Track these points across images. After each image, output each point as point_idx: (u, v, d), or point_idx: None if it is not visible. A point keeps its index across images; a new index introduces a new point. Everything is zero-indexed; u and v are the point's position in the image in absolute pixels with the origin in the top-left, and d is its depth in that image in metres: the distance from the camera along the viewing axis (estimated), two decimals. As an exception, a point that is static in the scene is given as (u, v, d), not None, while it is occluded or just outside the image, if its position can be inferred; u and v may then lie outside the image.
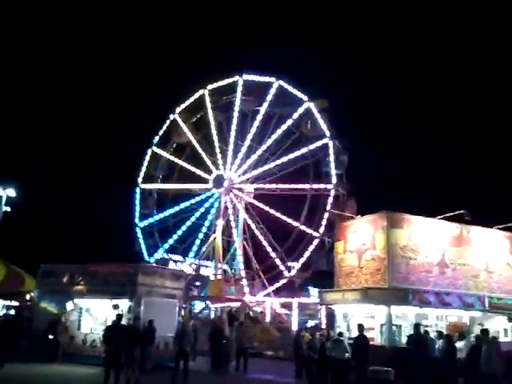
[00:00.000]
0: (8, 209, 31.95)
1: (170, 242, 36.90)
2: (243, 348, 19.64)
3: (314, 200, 33.34)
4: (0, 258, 31.44)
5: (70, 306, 19.83)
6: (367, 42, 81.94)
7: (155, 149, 37.96)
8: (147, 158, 37.98)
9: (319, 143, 32.52)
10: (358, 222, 20.12)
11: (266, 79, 34.65)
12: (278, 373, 18.46)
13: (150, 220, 37.58)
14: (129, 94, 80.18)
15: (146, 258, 36.40)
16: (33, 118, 72.81)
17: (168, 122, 37.65)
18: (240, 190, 35.88)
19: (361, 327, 15.76)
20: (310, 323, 31.49)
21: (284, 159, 33.81)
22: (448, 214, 19.96)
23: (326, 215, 30.86)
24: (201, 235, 36.22)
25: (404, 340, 16.81)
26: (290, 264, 33.02)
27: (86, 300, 19.97)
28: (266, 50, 74.50)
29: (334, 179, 31.58)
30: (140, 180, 37.94)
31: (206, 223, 36.35)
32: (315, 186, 32.81)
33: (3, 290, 29.66)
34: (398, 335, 17.34)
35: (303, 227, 32.79)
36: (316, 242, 31.10)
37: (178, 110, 37.46)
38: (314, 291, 32.61)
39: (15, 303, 28.69)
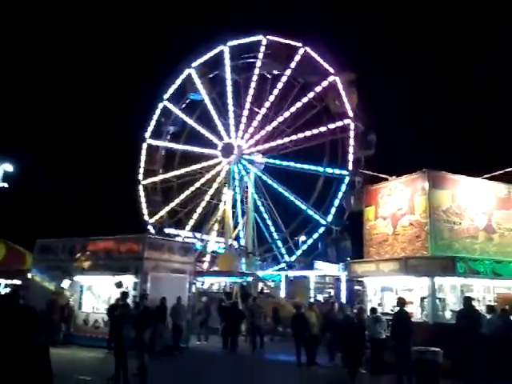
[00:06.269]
0: (5, 185, 30.07)
1: (173, 205, 34.88)
2: (258, 325, 18.46)
3: (333, 145, 30.80)
4: (-2, 235, 29.73)
5: (66, 283, 17.87)
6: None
7: (167, 103, 35.53)
8: (157, 112, 35.61)
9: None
10: (391, 183, 17.67)
11: (292, 43, 31.83)
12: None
13: (154, 179, 35.38)
14: (143, 46, 76.89)
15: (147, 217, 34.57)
16: (28, 92, 70.39)
17: (183, 76, 35.23)
18: (251, 154, 33.39)
19: (401, 301, 13.63)
20: (319, 297, 29.43)
21: (300, 135, 31.24)
22: (494, 173, 17.59)
23: (352, 150, 28.46)
24: (203, 203, 33.90)
25: (448, 315, 14.70)
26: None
27: (87, 277, 18.16)
28: (293, 16, 70.08)
29: (350, 113, 29.09)
30: (148, 135, 35.69)
31: (211, 191, 33.94)
32: (331, 125, 30.00)
33: (3, 268, 28.02)
34: (441, 310, 15.15)
35: (329, 170, 30.13)
36: (347, 180, 28.59)
37: (194, 64, 34.96)
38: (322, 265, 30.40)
39: (17, 282, 27.02)
